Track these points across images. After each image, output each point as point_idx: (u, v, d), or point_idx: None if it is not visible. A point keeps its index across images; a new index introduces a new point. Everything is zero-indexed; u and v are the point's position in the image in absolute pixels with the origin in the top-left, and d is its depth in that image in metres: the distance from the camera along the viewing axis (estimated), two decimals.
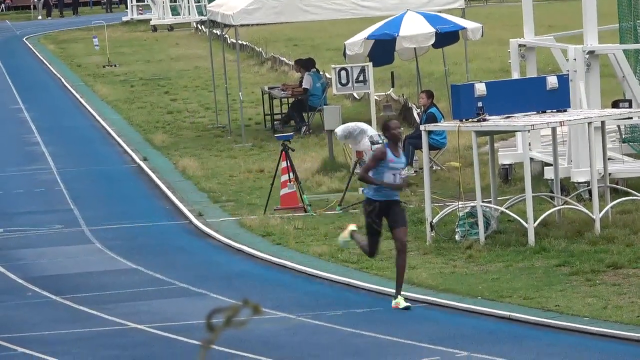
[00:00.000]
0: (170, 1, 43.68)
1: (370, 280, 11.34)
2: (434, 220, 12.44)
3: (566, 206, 12.91)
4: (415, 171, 15.85)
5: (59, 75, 33.99)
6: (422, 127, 14.24)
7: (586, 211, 12.23)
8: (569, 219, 12.89)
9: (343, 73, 16.76)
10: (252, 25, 26.35)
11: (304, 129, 20.81)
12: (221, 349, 7.90)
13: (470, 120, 12.79)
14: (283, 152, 14.60)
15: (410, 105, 20.55)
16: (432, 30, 19.46)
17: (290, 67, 26.99)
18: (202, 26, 39.59)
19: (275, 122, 21.86)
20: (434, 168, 15.74)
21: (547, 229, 12.58)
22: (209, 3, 33.21)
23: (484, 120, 12.54)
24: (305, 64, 22.43)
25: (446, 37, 20.17)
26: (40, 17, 59.22)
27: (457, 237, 12.34)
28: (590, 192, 12.67)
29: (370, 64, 17.40)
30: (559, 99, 13.21)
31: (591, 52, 14.19)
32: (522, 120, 12.90)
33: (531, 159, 14.00)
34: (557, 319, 9.69)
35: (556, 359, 9.08)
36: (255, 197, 16.04)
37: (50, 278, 12.06)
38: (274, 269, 12.41)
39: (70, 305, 10.80)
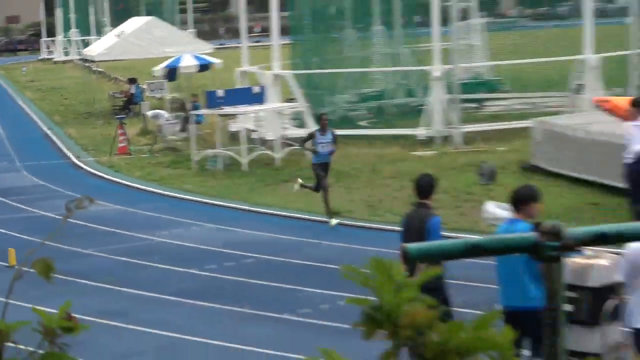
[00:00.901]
0: (63, 48, 66.64)
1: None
2: (197, 159, 20.82)
3: (265, 151, 21.04)
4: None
5: (5, 86, 50.16)
6: (190, 113, 22.69)
7: (272, 153, 21.01)
8: (265, 158, 21.01)
9: (153, 85, 26.96)
10: (106, 60, 47.78)
11: (130, 113, 30.92)
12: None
13: (216, 109, 21.10)
14: (120, 125, 23.78)
15: (185, 102, 27.37)
16: (197, 63, 28.38)
17: (125, 82, 38.66)
18: (80, 61, 58.25)
19: (115, 110, 32.30)
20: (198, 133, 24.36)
21: (254, 163, 20.44)
22: (84, 49, 56.26)
23: (222, 109, 21.07)
24: (132, 80, 33.88)
25: (204, 67, 28.97)
26: None
27: (207, 167, 20.81)
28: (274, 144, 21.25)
29: (166, 80, 27.52)
30: (260, 99, 21.68)
31: (276, 75, 23.60)
32: (242, 109, 21.33)
33: (246, 129, 21.73)
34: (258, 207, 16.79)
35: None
36: (106, 149, 24.31)
37: None
38: (112, 183, 20.66)
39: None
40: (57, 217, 15.54)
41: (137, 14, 56.95)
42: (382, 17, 28.62)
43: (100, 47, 49.68)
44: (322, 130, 15.72)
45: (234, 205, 17.10)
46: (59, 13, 66.82)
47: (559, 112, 21.86)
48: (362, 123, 25.85)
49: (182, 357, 9.84)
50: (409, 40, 28.70)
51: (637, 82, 23.00)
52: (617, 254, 7.71)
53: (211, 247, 14.29)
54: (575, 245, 1.68)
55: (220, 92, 21.73)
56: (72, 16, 62.78)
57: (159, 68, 28.07)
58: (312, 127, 19.60)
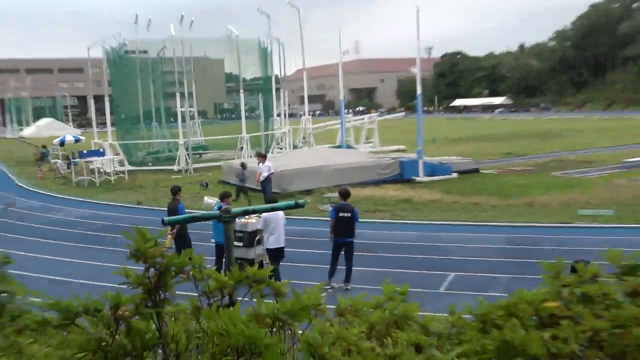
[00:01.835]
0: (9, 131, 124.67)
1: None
2: (75, 181, 48.27)
3: (105, 176, 49.65)
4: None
5: None
6: (72, 159, 51.71)
7: (109, 177, 50.39)
8: (106, 180, 50.21)
9: (53, 148, 54.93)
10: (30, 137, 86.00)
11: (42, 163, 55.13)
12: None
13: (83, 158, 50.95)
14: (39, 167, 50.11)
15: (68, 155, 56.55)
16: (73, 138, 55.55)
17: (40, 147, 65.21)
18: (18, 138, 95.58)
19: (37, 160, 55.52)
20: (75, 169, 53.54)
21: (102, 182, 49.31)
22: (19, 132, 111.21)
23: (85, 159, 50.88)
24: (44, 146, 59.03)
25: (77, 140, 56.38)
26: None
27: (80, 184, 49.55)
28: (110, 173, 50.27)
29: (59, 146, 54.65)
30: (103, 154, 49.09)
31: (110, 143, 52.75)
32: (94, 159, 51.08)
33: (97, 167, 51.56)
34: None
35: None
36: (33, 177, 48.27)
37: None
38: (36, 193, 39.61)
39: None
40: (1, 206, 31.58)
41: (46, 116, 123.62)
42: (156, 116, 58.81)
43: (28, 131, 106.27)
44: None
45: (87, 200, 33.15)
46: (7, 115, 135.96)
47: (231, 158, 51.80)
48: (149, 164, 55.08)
49: None
50: (169, 127, 58.63)
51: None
52: (259, 216, 15.28)
53: (74, 218, 28.03)
54: (235, 216, 4.12)
55: (85, 151, 48.89)
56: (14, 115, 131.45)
57: (56, 141, 52.70)
58: (127, 165, 48.76)
